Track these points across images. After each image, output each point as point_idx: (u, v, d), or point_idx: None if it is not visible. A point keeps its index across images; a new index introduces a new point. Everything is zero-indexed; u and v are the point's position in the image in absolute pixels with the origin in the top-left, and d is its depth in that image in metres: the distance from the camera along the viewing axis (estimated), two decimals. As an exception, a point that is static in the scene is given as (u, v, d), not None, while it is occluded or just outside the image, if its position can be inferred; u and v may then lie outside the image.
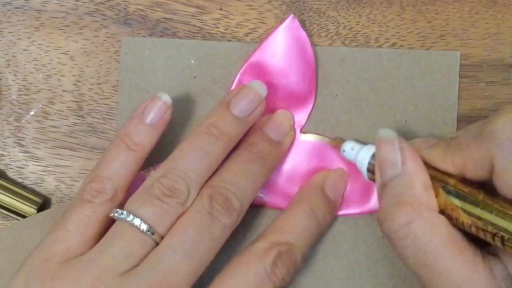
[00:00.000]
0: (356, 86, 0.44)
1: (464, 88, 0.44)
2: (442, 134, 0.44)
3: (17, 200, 0.43)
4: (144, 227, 0.36)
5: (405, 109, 0.44)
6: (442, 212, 0.36)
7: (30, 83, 0.45)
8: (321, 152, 0.43)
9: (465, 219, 0.35)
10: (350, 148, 0.41)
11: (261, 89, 0.41)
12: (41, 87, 0.45)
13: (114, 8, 0.45)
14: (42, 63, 0.45)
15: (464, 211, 0.35)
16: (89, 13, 0.45)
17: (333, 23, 0.45)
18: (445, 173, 0.36)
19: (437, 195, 0.36)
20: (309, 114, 0.44)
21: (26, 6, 0.45)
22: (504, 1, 0.44)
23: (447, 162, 0.36)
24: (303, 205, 0.41)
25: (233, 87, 0.43)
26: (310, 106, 0.43)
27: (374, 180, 0.39)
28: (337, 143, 0.42)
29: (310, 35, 0.44)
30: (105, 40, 0.45)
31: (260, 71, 0.43)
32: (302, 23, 0.44)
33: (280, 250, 0.38)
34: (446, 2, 0.45)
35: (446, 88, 0.44)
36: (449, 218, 0.35)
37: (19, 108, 0.45)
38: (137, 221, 0.36)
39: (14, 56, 0.45)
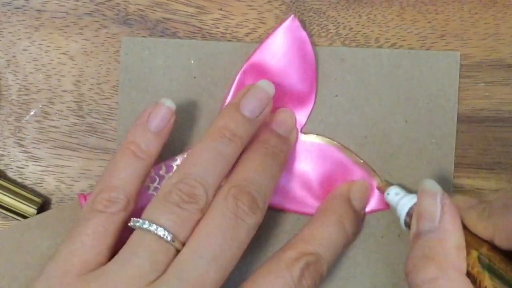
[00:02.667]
0: (356, 86, 0.44)
1: (464, 88, 0.44)
2: (441, 134, 0.44)
3: (17, 200, 0.43)
4: (168, 236, 0.36)
5: (405, 109, 0.44)
6: (468, 272, 0.35)
7: (30, 83, 0.45)
8: (321, 152, 0.43)
9: (489, 285, 0.34)
10: (394, 193, 0.41)
11: (269, 88, 0.40)
12: (41, 87, 0.45)
13: (114, 8, 0.45)
14: (42, 63, 0.45)
15: (490, 278, 0.34)
16: (89, 13, 0.45)
17: (333, 23, 0.45)
18: (479, 238, 0.36)
19: (467, 254, 0.36)
20: (309, 114, 0.44)
21: (26, 6, 0.45)
22: (504, 1, 0.44)
23: (480, 227, 0.36)
24: (331, 215, 0.41)
25: (233, 87, 0.43)
26: (310, 106, 0.43)
27: (409, 227, 0.39)
28: (383, 186, 0.42)
29: (310, 35, 0.44)
30: (105, 40, 0.45)
31: (261, 71, 0.43)
32: (302, 23, 0.44)
33: (308, 261, 0.38)
34: (446, 2, 0.45)
35: (446, 88, 0.44)
36: (473, 280, 0.35)
37: (19, 108, 0.45)
38: (161, 231, 0.36)
39: (14, 56, 0.45)
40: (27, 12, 0.45)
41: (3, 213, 0.43)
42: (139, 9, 0.45)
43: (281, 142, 0.41)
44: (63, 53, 0.45)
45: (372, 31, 0.45)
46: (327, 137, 0.44)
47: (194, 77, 0.44)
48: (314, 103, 0.44)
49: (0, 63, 0.45)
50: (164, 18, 0.45)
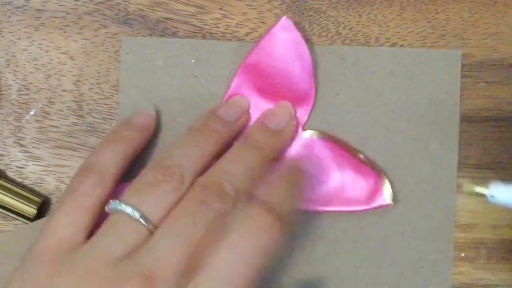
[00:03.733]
0: (357, 84, 0.44)
1: (464, 88, 0.44)
2: (444, 132, 0.44)
3: (17, 200, 0.43)
4: (136, 214, 0.36)
5: (406, 108, 0.44)
6: None
7: (30, 83, 0.45)
8: (322, 149, 0.43)
9: None
10: (497, 192, 0.34)
11: (243, 101, 0.43)
12: (41, 87, 0.45)
13: (114, 8, 0.45)
14: (42, 63, 0.45)
15: None
16: (89, 13, 0.45)
17: (333, 23, 0.45)
18: None
19: None
20: (310, 112, 0.44)
21: (26, 6, 0.45)
22: (504, 1, 0.45)
23: None
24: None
25: (229, 90, 0.43)
26: (310, 103, 0.43)
27: None
28: (478, 189, 0.35)
29: (310, 35, 0.44)
30: (105, 40, 0.45)
31: (257, 72, 0.43)
32: (300, 23, 0.44)
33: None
34: (446, 2, 0.45)
35: (448, 86, 0.44)
36: None
37: (19, 108, 0.45)
38: (128, 209, 0.36)
39: (14, 56, 0.45)
40: (27, 12, 0.45)
41: (3, 213, 0.43)
42: (139, 8, 0.45)
43: (269, 136, 0.41)
44: (63, 53, 0.45)
45: (372, 30, 0.45)
46: (328, 134, 0.44)
47: (195, 77, 0.44)
48: (314, 101, 0.44)
49: (0, 63, 0.45)
50: (164, 17, 0.45)
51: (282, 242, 0.36)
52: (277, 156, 0.42)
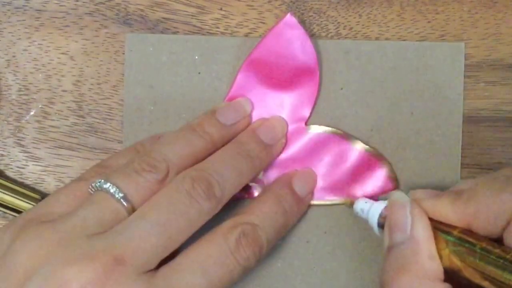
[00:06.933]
0: (361, 79, 0.44)
1: (464, 88, 0.44)
2: (448, 125, 0.44)
3: (16, 198, 0.43)
4: (119, 195, 0.36)
5: (410, 101, 0.44)
6: (448, 268, 0.35)
7: (30, 83, 0.45)
8: (326, 142, 0.44)
9: (467, 273, 0.34)
10: (360, 209, 0.41)
11: (246, 105, 0.43)
12: (41, 87, 0.45)
13: (114, 8, 0.45)
14: (42, 63, 0.45)
15: (465, 266, 0.34)
16: (89, 13, 0.45)
17: (333, 23, 0.45)
18: (450, 225, 0.36)
19: (441, 250, 0.35)
20: (313, 107, 0.44)
21: (26, 6, 0.45)
22: (504, 1, 0.45)
23: (456, 212, 0.35)
24: (269, 194, 0.41)
25: (233, 86, 0.43)
26: (313, 99, 0.43)
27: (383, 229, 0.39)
28: (348, 204, 0.43)
29: (310, 36, 0.44)
30: (105, 40, 0.45)
31: (261, 68, 0.43)
32: (300, 21, 0.44)
33: (244, 229, 0.38)
34: (446, 2, 0.45)
35: (451, 80, 0.44)
36: (455, 271, 0.35)
37: (19, 108, 0.45)
38: (112, 189, 0.36)
39: (14, 56, 0.45)
40: (27, 12, 0.45)
41: (2, 211, 0.43)
42: (139, 9, 0.45)
43: (260, 148, 0.42)
44: (63, 53, 0.45)
45: (372, 31, 0.45)
46: (331, 128, 0.44)
47: (199, 73, 0.44)
48: (318, 96, 0.44)
49: (0, 63, 0.45)
50: (164, 18, 0.45)
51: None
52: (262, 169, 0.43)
